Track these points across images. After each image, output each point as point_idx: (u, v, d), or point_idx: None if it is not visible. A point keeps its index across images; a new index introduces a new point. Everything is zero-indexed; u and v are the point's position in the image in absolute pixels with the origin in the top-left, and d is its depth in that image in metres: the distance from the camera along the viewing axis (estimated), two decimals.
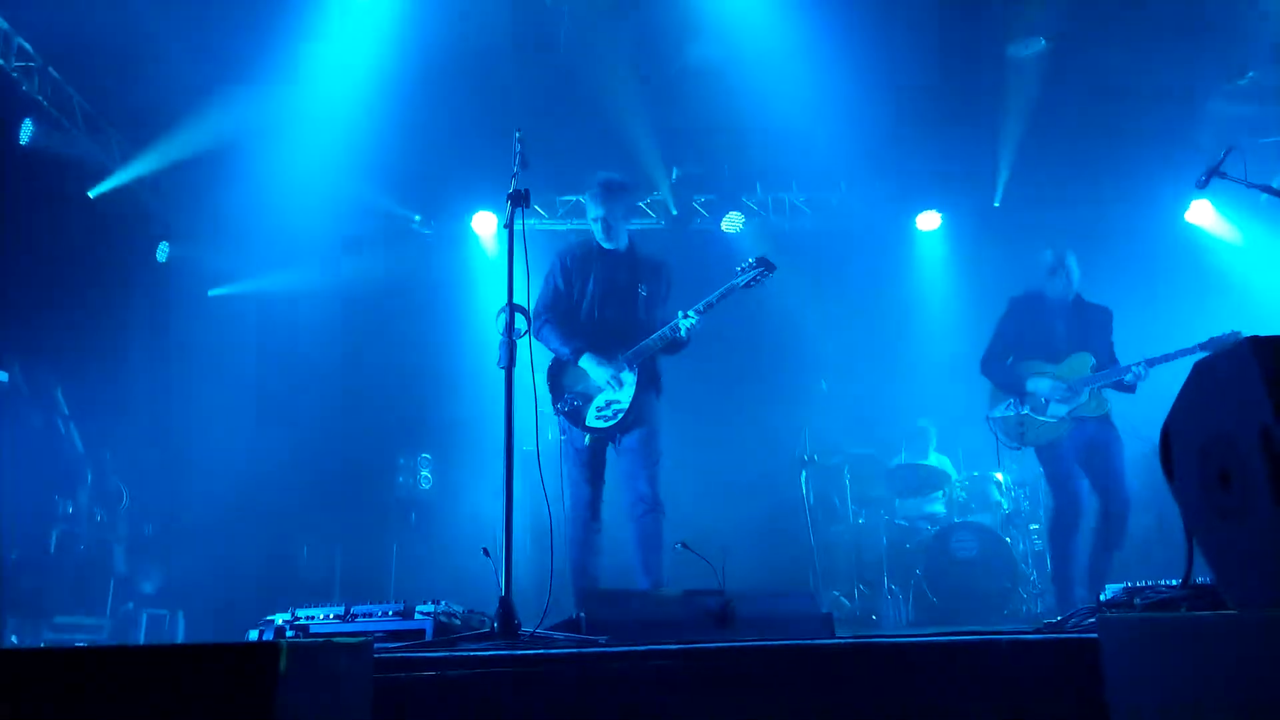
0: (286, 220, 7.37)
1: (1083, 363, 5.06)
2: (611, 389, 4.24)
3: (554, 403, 4.29)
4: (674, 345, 4.30)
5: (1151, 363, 4.84)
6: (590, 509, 4.26)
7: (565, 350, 4.31)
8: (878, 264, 8.41)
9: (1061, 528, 5.00)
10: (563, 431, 4.39)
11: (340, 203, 7.49)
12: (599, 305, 4.40)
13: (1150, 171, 7.71)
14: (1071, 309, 5.19)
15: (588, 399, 4.29)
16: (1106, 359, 5.07)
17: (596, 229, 4.47)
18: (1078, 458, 4.99)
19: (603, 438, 4.30)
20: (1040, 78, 6.77)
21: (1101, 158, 7.68)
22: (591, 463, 4.30)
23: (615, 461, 4.40)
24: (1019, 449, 5.23)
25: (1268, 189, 4.34)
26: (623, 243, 4.48)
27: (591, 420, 4.25)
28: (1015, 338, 5.24)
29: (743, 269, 4.34)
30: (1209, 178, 4.45)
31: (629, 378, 4.25)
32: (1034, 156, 7.58)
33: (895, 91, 6.78)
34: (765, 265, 4.33)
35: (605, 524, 4.36)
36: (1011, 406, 5.12)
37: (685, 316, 4.22)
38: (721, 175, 7.97)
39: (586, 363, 4.28)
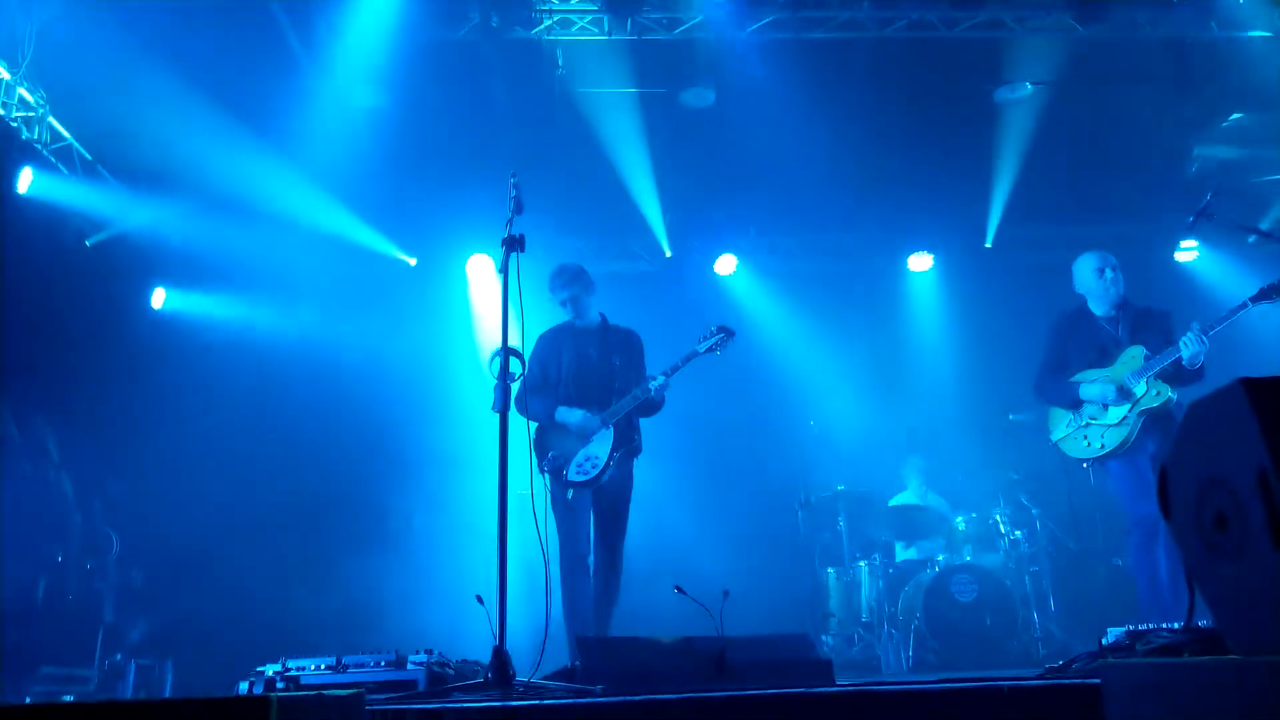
0: (281, 265, 7.40)
1: (1134, 356, 4.73)
2: (591, 444, 4.56)
3: (539, 463, 4.53)
4: (648, 405, 4.69)
5: (1205, 330, 4.39)
6: (581, 560, 4.46)
7: (542, 413, 4.62)
8: (871, 305, 8.46)
9: (1143, 537, 4.59)
10: (548, 489, 4.61)
11: (336, 246, 7.53)
12: (574, 378, 4.75)
13: (1140, 212, 7.80)
14: (1119, 312, 4.90)
15: (568, 457, 4.56)
16: (1162, 345, 4.68)
17: (566, 310, 4.81)
18: (1153, 456, 4.61)
19: (584, 490, 4.55)
20: (1029, 121, 6.88)
21: (1091, 198, 7.77)
22: (577, 514, 4.53)
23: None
24: (1090, 464, 4.84)
25: (1254, 230, 4.40)
26: (593, 319, 4.85)
27: (572, 475, 4.50)
28: (1065, 351, 4.97)
29: (704, 336, 4.73)
30: (1196, 219, 4.52)
31: (606, 434, 4.57)
32: (1024, 198, 7.67)
33: (887, 135, 6.88)
34: (725, 333, 4.73)
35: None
36: (1073, 422, 4.85)
37: (653, 379, 4.61)
38: (714, 218, 8.03)
39: (562, 415, 4.61)
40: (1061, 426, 4.92)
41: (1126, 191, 7.61)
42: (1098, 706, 1.78)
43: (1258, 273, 5.04)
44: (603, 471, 4.50)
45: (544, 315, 4.83)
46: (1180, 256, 8.21)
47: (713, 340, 4.71)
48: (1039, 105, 6.77)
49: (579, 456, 4.56)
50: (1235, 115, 6.80)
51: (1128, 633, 2.73)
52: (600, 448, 4.56)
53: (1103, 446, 4.70)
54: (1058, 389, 4.92)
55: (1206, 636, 2.16)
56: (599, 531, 4.60)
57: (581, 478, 4.51)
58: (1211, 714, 1.46)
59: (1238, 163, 7.03)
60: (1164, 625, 2.75)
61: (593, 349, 4.82)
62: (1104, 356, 4.83)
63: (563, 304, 4.80)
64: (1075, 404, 4.83)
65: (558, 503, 4.53)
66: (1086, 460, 4.81)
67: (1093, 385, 4.76)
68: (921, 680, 2.78)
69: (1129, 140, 7.08)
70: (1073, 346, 4.94)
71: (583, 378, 4.75)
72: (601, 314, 4.93)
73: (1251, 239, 4.73)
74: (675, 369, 4.66)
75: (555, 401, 4.68)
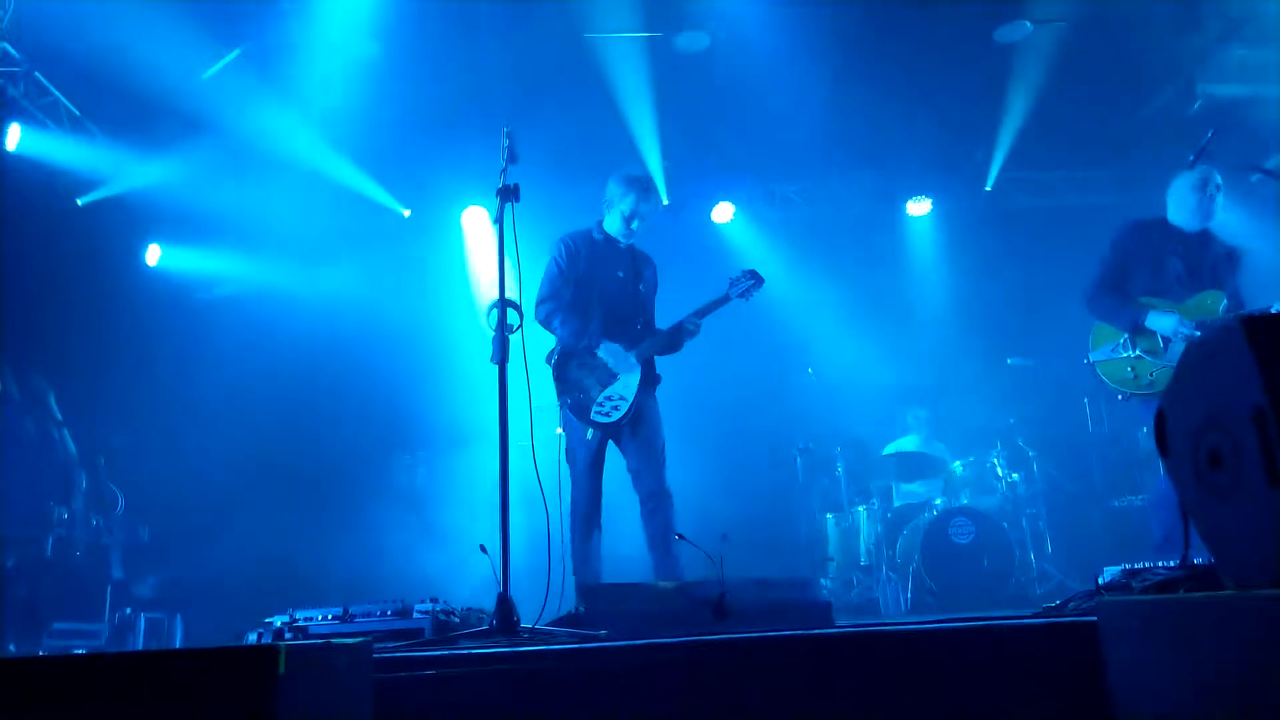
0: (276, 218, 7.35)
1: (1214, 301, 4.35)
2: (618, 382, 4.29)
3: (559, 395, 4.32)
4: (670, 347, 4.47)
5: None
6: (591, 503, 4.30)
7: (582, 340, 4.32)
8: (868, 251, 8.41)
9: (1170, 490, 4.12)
10: (564, 426, 4.43)
11: (330, 199, 7.48)
12: (605, 298, 4.44)
13: (1141, 152, 7.72)
14: (1197, 241, 4.51)
15: (592, 394, 4.30)
16: (1236, 302, 4.41)
17: (617, 221, 4.50)
18: None
19: (605, 433, 4.34)
20: (1028, 62, 6.77)
21: (1092, 139, 7.69)
22: (594, 457, 4.33)
23: (617, 458, 4.44)
24: (1127, 397, 4.50)
25: (1258, 168, 4.35)
26: (631, 239, 4.58)
27: (595, 415, 4.26)
28: (1129, 267, 4.54)
29: (735, 280, 4.51)
30: (1197, 159, 4.46)
31: (634, 373, 4.33)
32: (1024, 141, 7.58)
33: (884, 78, 6.78)
34: (756, 278, 4.53)
35: (604, 518, 4.39)
36: (1121, 348, 4.44)
37: (693, 324, 4.40)
38: (711, 165, 7.95)
39: (606, 352, 4.33)
40: (1106, 348, 4.52)
41: (1128, 131, 7.53)
42: (1095, 644, 1.80)
43: (1261, 212, 5.01)
44: (626, 414, 4.26)
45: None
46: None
47: (745, 285, 4.49)
48: (1038, 46, 6.65)
49: (602, 395, 4.29)
50: (1239, 51, 6.69)
51: (1124, 571, 2.76)
52: (627, 387, 4.30)
53: (1152, 384, 4.35)
54: (1116, 306, 4.47)
55: (1202, 573, 2.19)
56: (635, 472, 4.35)
57: (603, 419, 4.26)
58: (1207, 648, 1.48)
59: (1242, 100, 6.93)
60: (1159, 563, 2.78)
61: (622, 270, 4.52)
62: (1171, 288, 4.44)
63: (624, 213, 4.46)
64: (1136, 329, 4.42)
65: (574, 445, 4.32)
66: (1124, 392, 4.47)
67: (1166, 316, 4.33)
68: (919, 621, 2.82)
69: (1130, 79, 6.98)
70: (1142, 266, 4.52)
71: (614, 304, 4.45)
72: None
73: (1255, 178, 4.64)
74: (706, 312, 4.46)
75: (597, 329, 4.37)
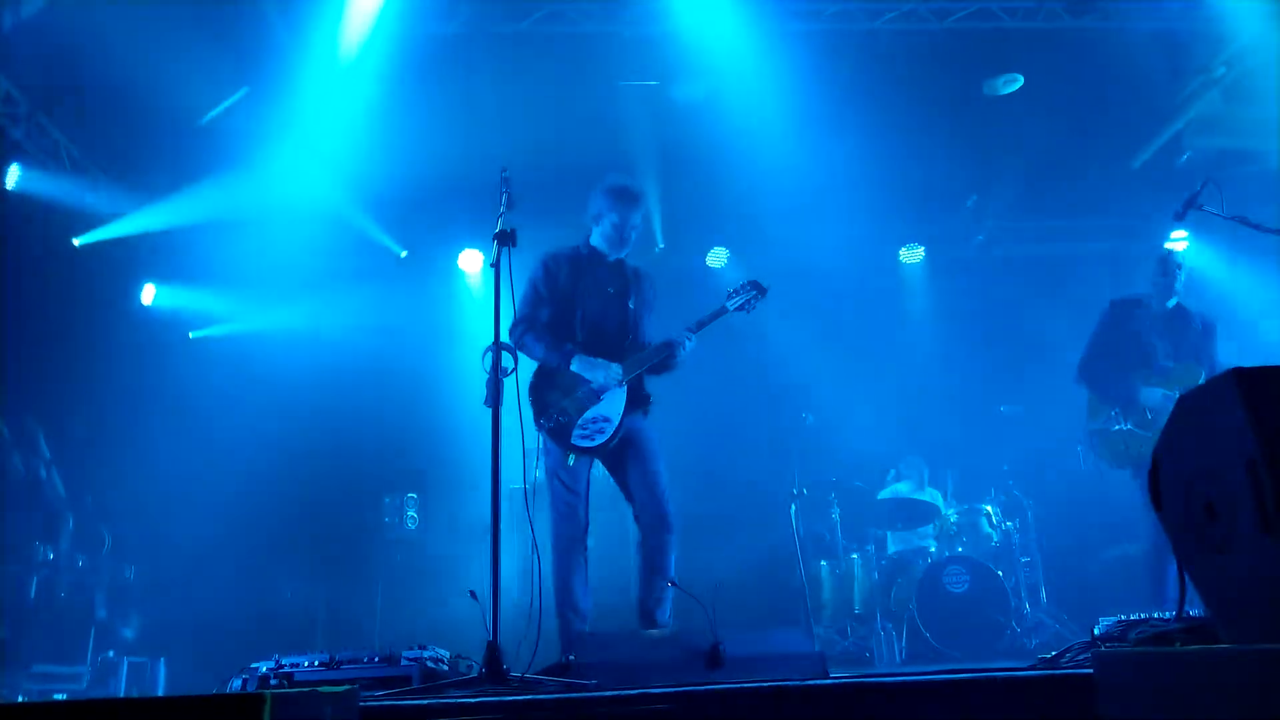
0: (271, 258, 7.38)
1: (1194, 375, 4.66)
2: (601, 404, 3.97)
3: (536, 418, 3.95)
4: (663, 366, 4.15)
5: None
6: (573, 535, 3.97)
7: (554, 356, 4.00)
8: (862, 298, 8.47)
9: (1160, 558, 4.53)
10: (545, 453, 4.07)
11: (326, 240, 7.51)
12: (589, 315, 4.13)
13: (1130, 203, 7.83)
14: (1173, 316, 4.91)
15: (572, 417, 3.97)
16: (1214, 372, 4.67)
17: (604, 234, 4.21)
18: None
19: (588, 458, 4.04)
20: (1019, 113, 6.89)
21: (1082, 190, 7.79)
22: (577, 485, 4.01)
23: (604, 485, 4.18)
24: (1120, 468, 4.80)
25: (1244, 220, 4.39)
26: (622, 252, 4.28)
27: (576, 439, 3.94)
28: (1115, 343, 4.92)
29: (734, 292, 4.28)
30: (1186, 209, 4.51)
31: (620, 393, 3.99)
32: (1015, 190, 7.69)
33: (878, 128, 6.88)
34: (758, 289, 4.29)
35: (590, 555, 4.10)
36: (1114, 420, 4.74)
37: (684, 340, 4.07)
38: (705, 210, 8.02)
39: (579, 365, 3.99)
40: (1101, 419, 4.83)
41: (1118, 181, 7.63)
42: (1090, 696, 1.78)
43: (1250, 264, 5.10)
44: (611, 438, 3.93)
45: None
46: (1170, 247, 8.24)
47: (743, 298, 4.23)
48: (1029, 96, 6.77)
49: (585, 417, 3.96)
50: (1227, 105, 6.81)
51: (1120, 623, 2.74)
52: (612, 408, 3.96)
53: (1140, 456, 4.60)
54: (1107, 381, 4.81)
55: (1198, 626, 2.17)
56: (637, 495, 4.02)
57: (587, 443, 3.92)
58: (1203, 703, 1.46)
59: (1230, 153, 7.04)
60: (1156, 615, 2.76)
61: (612, 286, 4.20)
62: (1153, 362, 4.77)
63: (611, 225, 4.16)
64: (1128, 404, 4.73)
65: (555, 471, 4.00)
66: (1115, 464, 4.77)
67: (1154, 391, 4.66)
68: (915, 672, 2.79)
69: (1120, 130, 7.10)
70: (1125, 341, 4.88)
71: (599, 321, 4.12)
72: None
73: (1243, 231, 4.69)
74: (702, 325, 4.13)
75: (572, 346, 4.04)
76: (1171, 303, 4.92)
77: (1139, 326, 4.87)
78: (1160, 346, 4.80)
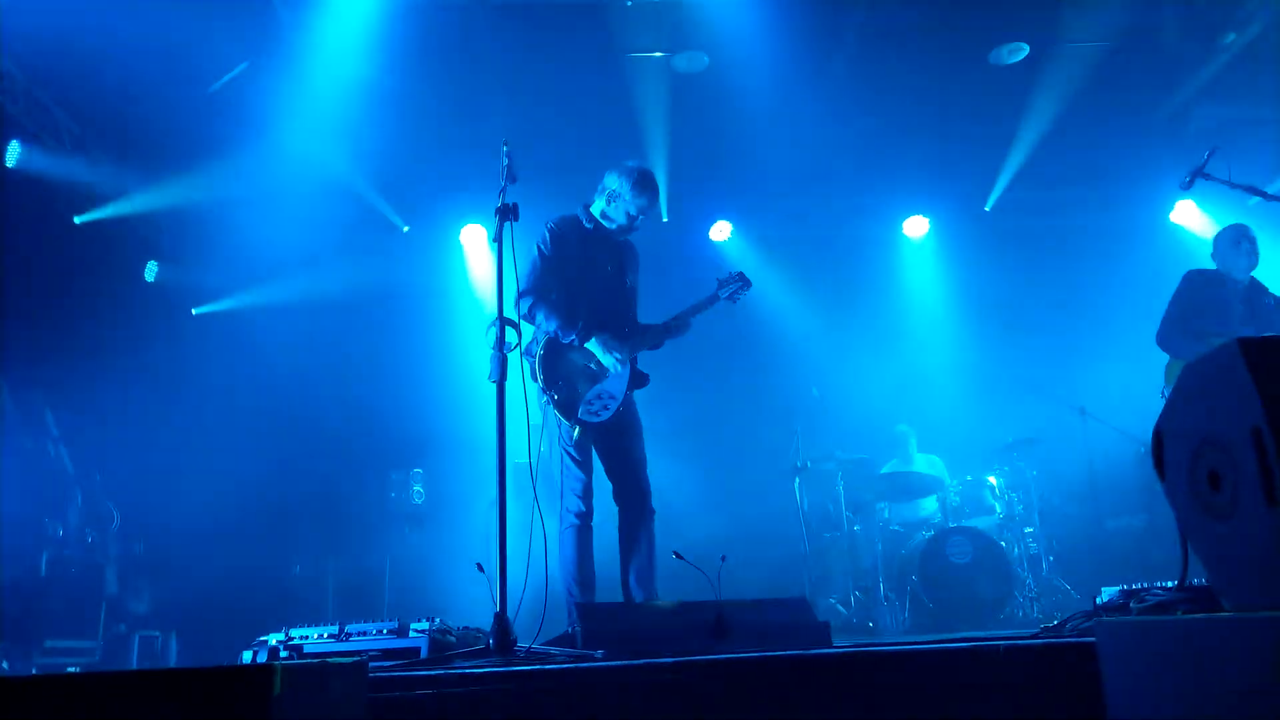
0: (274, 234, 7.38)
1: None
2: (608, 380, 4.06)
3: (545, 389, 4.02)
4: (654, 345, 4.26)
5: None
6: (580, 512, 4.03)
7: (570, 334, 4.06)
8: (866, 269, 8.45)
9: None
10: (551, 427, 4.15)
11: (329, 216, 7.50)
12: (592, 290, 4.19)
13: (1135, 173, 7.77)
14: (1249, 290, 4.96)
15: (579, 391, 4.04)
16: None
17: (615, 215, 4.25)
18: None
19: (591, 434, 4.09)
20: (1025, 83, 6.82)
21: (1087, 160, 7.73)
22: (581, 455, 4.08)
23: (598, 462, 4.21)
24: None
25: (1252, 189, 4.36)
26: (625, 234, 4.34)
27: (583, 414, 4.00)
28: (1194, 311, 4.90)
29: (724, 281, 4.37)
30: (1193, 179, 4.47)
31: (625, 370, 4.09)
32: (1020, 160, 7.63)
33: (883, 98, 6.83)
34: (744, 281, 4.40)
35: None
36: None
37: (685, 321, 4.22)
38: (709, 183, 7.99)
39: (595, 345, 4.07)
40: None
41: (1124, 152, 7.57)
42: (1093, 665, 1.80)
43: (1260, 235, 5.04)
44: (614, 414, 4.02)
45: None
46: (1176, 218, 8.20)
47: (734, 287, 4.35)
48: (1035, 66, 6.70)
49: (591, 393, 4.04)
50: (1236, 73, 6.73)
51: (1122, 592, 2.76)
52: (617, 385, 4.05)
53: None
54: (1188, 345, 4.77)
55: (1200, 595, 2.19)
56: (619, 477, 4.13)
57: (593, 418, 4.00)
58: (1205, 670, 1.47)
59: (1239, 121, 6.98)
60: (1158, 584, 2.78)
61: (610, 263, 4.28)
62: (1227, 319, 4.81)
63: (631, 210, 4.20)
64: None
65: (564, 446, 4.06)
66: None
67: None
68: (918, 641, 2.81)
69: (1127, 99, 7.03)
70: (1205, 310, 4.88)
71: (602, 297, 4.20)
72: None
73: (1253, 201, 4.64)
74: (698, 310, 4.27)
75: (585, 324, 4.09)
76: (1246, 276, 4.96)
77: (1216, 293, 4.91)
78: (1239, 311, 4.83)
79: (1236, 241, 4.95)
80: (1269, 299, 4.95)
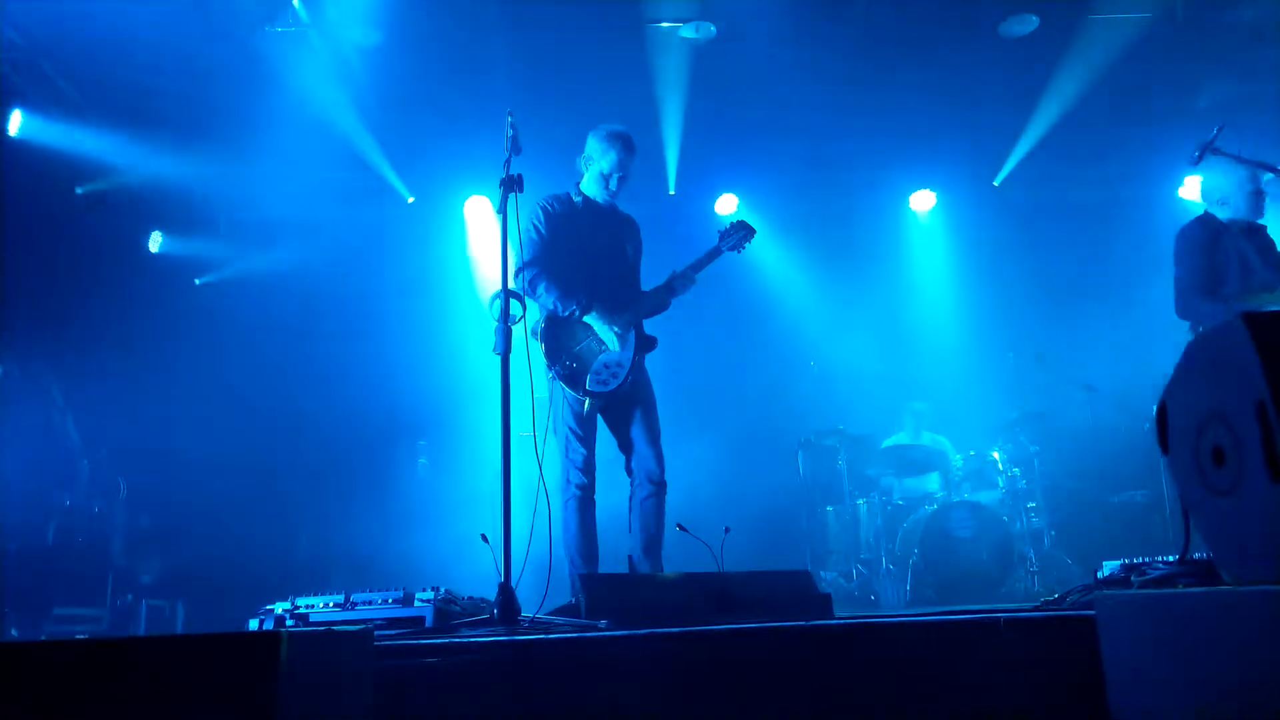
0: (278, 204, 7.36)
1: None
2: (612, 350, 4.04)
3: (550, 364, 4.01)
4: (659, 306, 4.20)
5: None
6: (584, 473, 4.03)
7: (569, 306, 4.04)
8: (872, 243, 8.41)
9: None
10: (556, 401, 4.11)
11: (334, 186, 7.48)
12: (589, 262, 4.17)
13: (1144, 148, 7.70)
14: (1254, 230, 4.51)
15: (585, 362, 4.02)
16: None
17: (595, 177, 4.24)
18: None
19: (597, 406, 4.07)
20: (1035, 56, 6.75)
21: (1095, 135, 7.66)
22: (587, 428, 4.06)
23: (606, 433, 4.20)
24: None
25: (1262, 164, 4.31)
26: (613, 197, 4.30)
27: (592, 384, 3.98)
28: (1210, 270, 4.38)
29: (726, 233, 4.28)
30: (1203, 154, 4.41)
31: (629, 339, 4.06)
32: (1029, 134, 7.56)
33: (890, 70, 6.76)
34: (747, 229, 4.29)
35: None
36: None
37: (686, 280, 4.15)
38: (715, 157, 7.93)
39: (594, 319, 4.06)
40: None
41: (1133, 126, 7.50)
42: (1093, 638, 1.81)
43: (1273, 211, 4.95)
44: (624, 382, 3.98)
45: None
46: (1184, 193, 8.14)
47: (737, 236, 4.25)
48: (1045, 39, 6.63)
49: (597, 363, 4.01)
50: (1247, 49, 6.65)
51: (1123, 566, 2.77)
52: (623, 354, 4.03)
53: None
54: (1216, 312, 4.26)
55: (1201, 569, 2.19)
56: (631, 449, 4.10)
57: (600, 388, 3.97)
58: (1205, 643, 1.48)
59: (1249, 97, 6.90)
60: (1159, 559, 2.79)
61: (605, 234, 4.26)
62: (1254, 282, 4.32)
63: (607, 172, 4.19)
64: None
65: (567, 420, 4.04)
66: None
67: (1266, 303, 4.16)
68: (918, 613, 2.83)
69: (1136, 74, 6.95)
70: (1222, 267, 4.39)
71: (600, 268, 4.17)
72: None
73: (1267, 177, 4.52)
74: (701, 267, 4.17)
75: (583, 295, 4.06)
76: (1249, 219, 4.49)
77: (1229, 245, 4.41)
78: (1254, 259, 4.39)
79: (1251, 179, 4.44)
80: (1266, 235, 4.54)
